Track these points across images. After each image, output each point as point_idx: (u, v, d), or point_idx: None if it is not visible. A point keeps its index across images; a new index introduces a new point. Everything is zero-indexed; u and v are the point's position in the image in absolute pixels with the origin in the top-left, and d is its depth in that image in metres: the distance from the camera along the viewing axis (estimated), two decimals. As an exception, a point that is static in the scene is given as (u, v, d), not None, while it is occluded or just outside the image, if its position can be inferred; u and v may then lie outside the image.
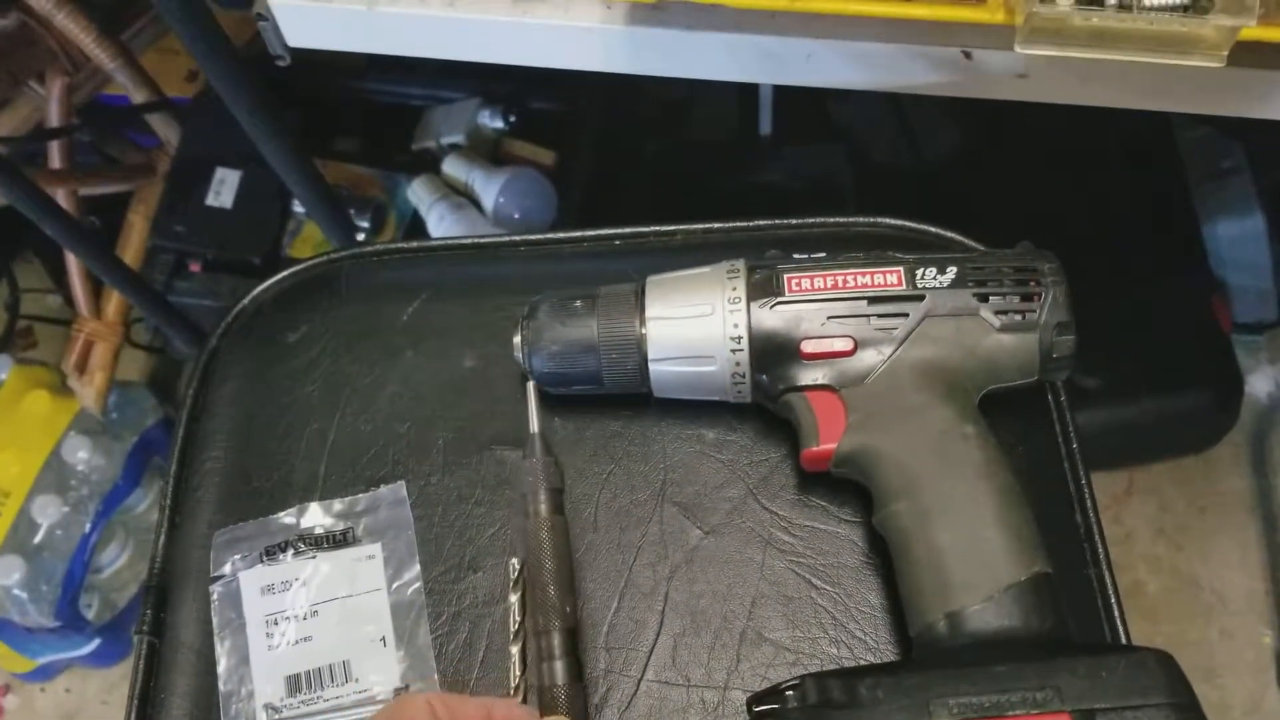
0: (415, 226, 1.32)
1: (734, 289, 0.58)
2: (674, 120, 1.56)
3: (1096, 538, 0.61)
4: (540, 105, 1.37)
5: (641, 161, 1.50)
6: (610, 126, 1.42)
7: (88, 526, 1.37)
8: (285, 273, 0.70)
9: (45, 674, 1.49)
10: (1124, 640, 0.59)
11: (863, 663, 0.57)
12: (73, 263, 1.33)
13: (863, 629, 0.58)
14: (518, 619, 0.59)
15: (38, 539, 1.35)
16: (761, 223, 0.71)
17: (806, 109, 1.54)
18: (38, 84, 1.29)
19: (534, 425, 0.59)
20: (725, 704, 0.56)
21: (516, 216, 1.26)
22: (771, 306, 0.58)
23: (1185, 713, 0.45)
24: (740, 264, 0.59)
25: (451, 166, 1.30)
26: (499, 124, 1.34)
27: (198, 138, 1.32)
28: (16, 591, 1.33)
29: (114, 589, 1.45)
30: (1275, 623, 1.41)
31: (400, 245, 0.72)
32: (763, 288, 0.58)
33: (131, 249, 1.37)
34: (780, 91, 1.49)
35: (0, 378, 1.44)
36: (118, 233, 1.40)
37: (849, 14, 0.58)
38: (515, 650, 0.58)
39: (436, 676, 0.57)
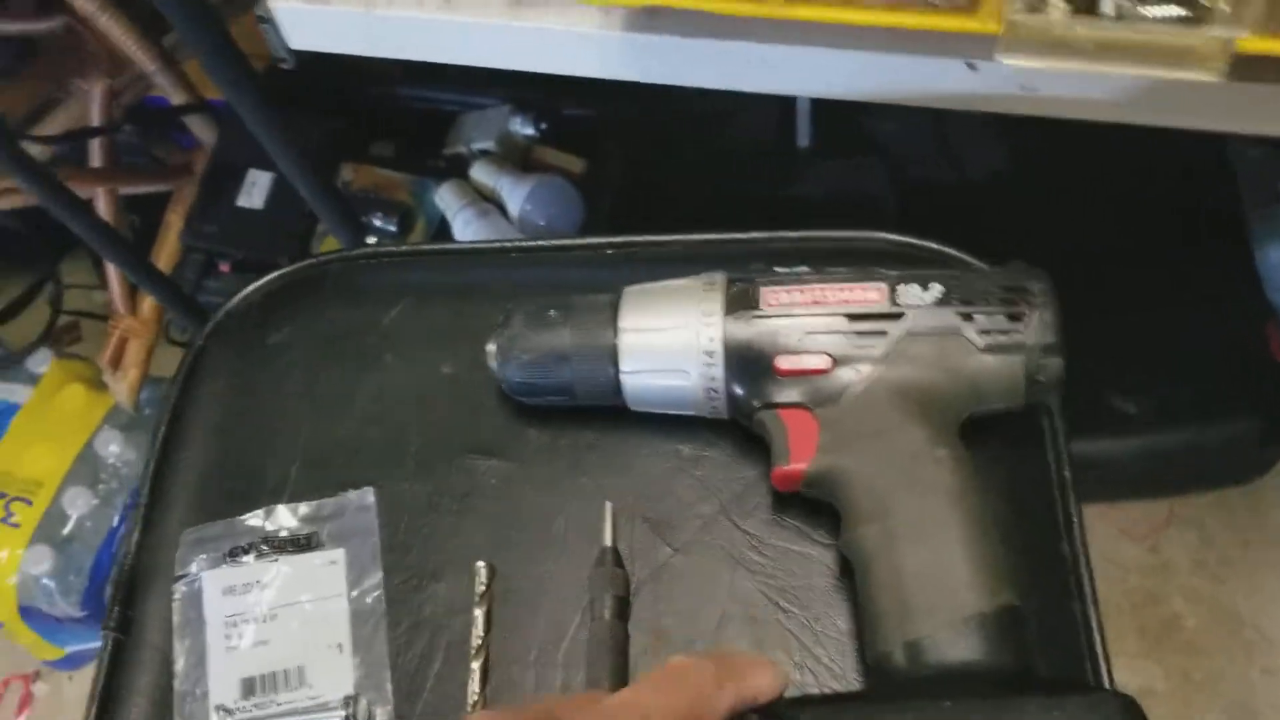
0: (443, 232, 1.32)
1: (710, 301, 0.57)
2: (711, 130, 1.54)
3: (1083, 570, 0.58)
4: (572, 113, 1.36)
5: (675, 171, 1.48)
6: (644, 135, 1.41)
7: (116, 519, 1.39)
8: (273, 275, 0.70)
9: (73, 663, 1.51)
10: (1107, 682, 0.56)
11: (827, 690, 0.55)
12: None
13: (829, 654, 0.55)
14: (481, 634, 0.58)
15: (67, 530, 1.37)
16: (757, 235, 0.70)
17: (847, 123, 1.51)
18: (87, 86, 1.31)
19: (608, 539, 0.59)
20: (686, 727, 0.55)
21: (542, 223, 1.25)
22: (747, 321, 0.56)
23: (1142, 761, 0.43)
24: (719, 276, 0.58)
25: (480, 172, 1.29)
26: (529, 131, 1.34)
27: (233, 140, 1.33)
28: (45, 581, 1.35)
29: (141, 582, 1.47)
30: (1321, 664, 1.36)
31: (388, 249, 0.72)
32: (739, 301, 0.57)
33: (168, 248, 1.39)
34: (819, 105, 1.47)
35: (40, 371, 1.47)
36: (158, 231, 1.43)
37: (830, 23, 0.56)
38: (476, 666, 0.57)
39: (390, 686, 0.56)
